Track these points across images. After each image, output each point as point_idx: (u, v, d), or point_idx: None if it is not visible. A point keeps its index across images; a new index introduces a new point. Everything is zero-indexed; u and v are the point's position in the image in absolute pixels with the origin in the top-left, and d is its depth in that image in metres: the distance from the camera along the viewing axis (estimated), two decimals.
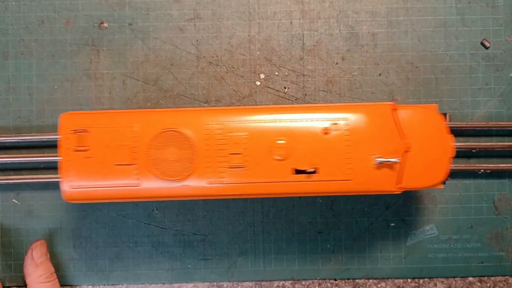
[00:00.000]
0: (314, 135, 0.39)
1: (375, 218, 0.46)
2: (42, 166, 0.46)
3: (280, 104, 0.46)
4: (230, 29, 0.47)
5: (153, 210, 0.46)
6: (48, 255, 0.45)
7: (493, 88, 0.47)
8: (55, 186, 0.46)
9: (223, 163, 0.39)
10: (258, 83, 0.47)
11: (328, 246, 0.46)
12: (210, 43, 0.47)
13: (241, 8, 0.47)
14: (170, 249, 0.46)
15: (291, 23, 0.47)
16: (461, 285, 0.46)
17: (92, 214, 0.46)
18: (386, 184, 0.39)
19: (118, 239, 0.46)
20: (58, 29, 0.47)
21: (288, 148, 0.39)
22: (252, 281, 0.46)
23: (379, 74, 0.47)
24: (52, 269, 0.44)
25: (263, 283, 0.46)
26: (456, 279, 0.46)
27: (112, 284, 0.46)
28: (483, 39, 0.47)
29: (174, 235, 0.46)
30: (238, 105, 0.46)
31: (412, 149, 0.39)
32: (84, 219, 0.46)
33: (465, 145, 0.45)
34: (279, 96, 0.47)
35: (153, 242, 0.46)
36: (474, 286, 0.46)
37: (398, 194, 0.39)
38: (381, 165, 0.38)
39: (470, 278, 0.46)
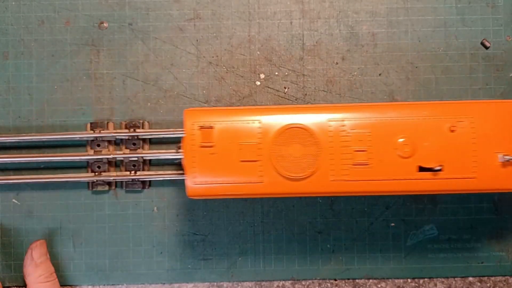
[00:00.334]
0: (440, 132, 0.39)
1: (375, 218, 0.46)
2: (42, 166, 0.46)
3: (280, 104, 0.46)
4: (230, 29, 0.47)
5: (153, 210, 0.46)
6: (48, 255, 0.44)
7: (493, 88, 0.47)
8: (55, 186, 0.46)
9: (347, 160, 0.39)
10: (258, 83, 0.47)
11: (328, 246, 0.46)
12: (210, 43, 0.47)
13: (241, 8, 0.47)
14: (170, 249, 0.46)
15: (291, 23, 0.47)
16: (461, 285, 0.46)
17: (92, 214, 0.46)
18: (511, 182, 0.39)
19: (118, 239, 0.46)
20: (58, 29, 0.47)
21: (413, 145, 0.38)
22: (252, 281, 0.46)
23: (379, 74, 0.47)
24: (52, 269, 0.44)
25: (263, 283, 0.46)
26: (456, 279, 0.46)
27: (112, 284, 0.46)
28: (483, 39, 0.47)
29: (174, 235, 0.46)
30: (239, 105, 0.46)
31: None
32: (84, 219, 0.46)
33: None
34: (279, 96, 0.47)
35: (153, 242, 0.46)
36: (474, 286, 0.46)
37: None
38: (506, 163, 0.38)
39: (470, 278, 0.46)
